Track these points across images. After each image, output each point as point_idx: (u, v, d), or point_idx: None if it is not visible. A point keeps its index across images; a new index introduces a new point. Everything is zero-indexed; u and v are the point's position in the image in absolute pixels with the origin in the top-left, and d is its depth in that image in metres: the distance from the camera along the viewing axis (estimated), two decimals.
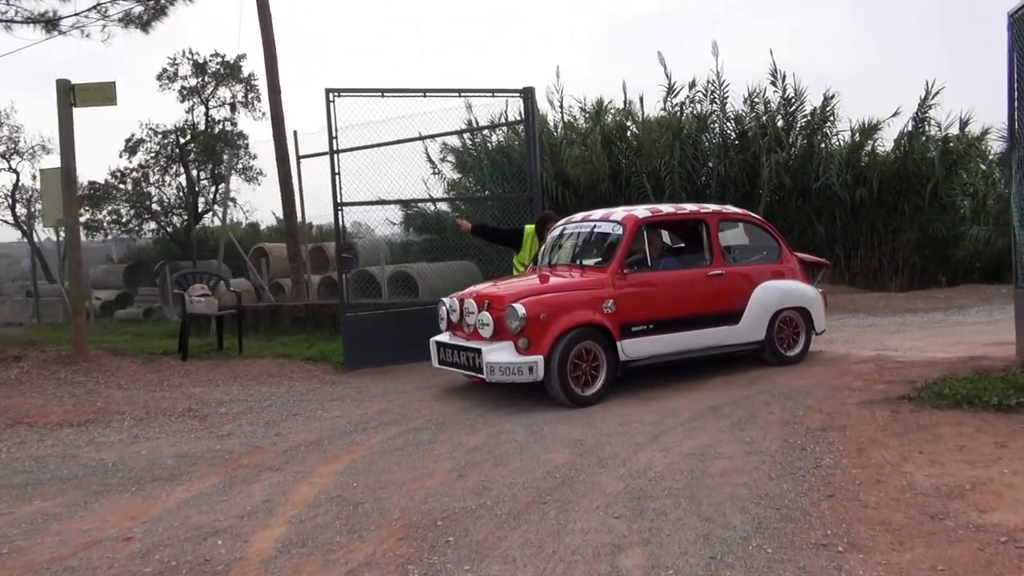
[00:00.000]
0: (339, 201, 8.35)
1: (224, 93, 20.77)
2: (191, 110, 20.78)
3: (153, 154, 20.55)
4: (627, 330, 6.72)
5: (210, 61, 20.55)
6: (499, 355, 6.42)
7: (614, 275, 6.80)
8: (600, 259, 7.17)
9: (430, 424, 6.13)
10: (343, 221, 8.39)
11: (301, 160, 10.85)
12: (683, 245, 7.91)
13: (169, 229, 20.69)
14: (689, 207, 7.70)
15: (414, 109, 9.40)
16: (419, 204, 18.24)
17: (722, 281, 7.33)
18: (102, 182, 20.42)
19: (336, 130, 8.32)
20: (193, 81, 20.72)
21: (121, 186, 20.57)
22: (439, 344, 7.13)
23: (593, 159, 16.15)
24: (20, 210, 22.82)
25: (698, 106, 16.59)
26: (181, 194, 21.00)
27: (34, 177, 22.73)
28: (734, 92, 27.03)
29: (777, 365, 7.58)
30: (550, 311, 6.39)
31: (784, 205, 15.88)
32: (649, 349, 6.89)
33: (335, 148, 8.31)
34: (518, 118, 18.09)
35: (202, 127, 20.78)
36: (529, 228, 8.63)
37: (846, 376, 7.01)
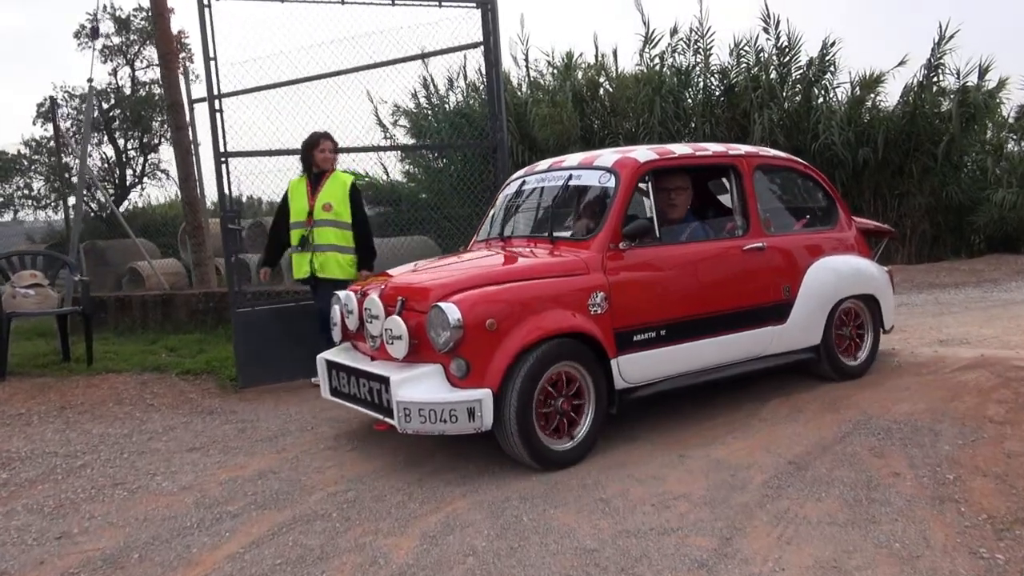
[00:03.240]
0: (222, 150, 5.53)
1: (151, 52, 17.54)
2: (115, 72, 17.57)
3: (72, 121, 17.28)
4: (626, 339, 3.98)
5: (134, 16, 17.31)
6: (418, 388, 3.59)
7: (604, 252, 4.01)
8: (581, 228, 4.40)
9: (331, 505, 3.42)
10: (228, 181, 5.56)
11: (195, 105, 8.03)
12: (698, 205, 5.14)
13: (93, 205, 17.43)
14: (713, 147, 4.76)
15: (340, 31, 6.57)
16: (369, 174, 15.44)
17: (763, 258, 4.59)
18: (13, 152, 17.14)
19: (215, 50, 5.48)
20: (116, 40, 17.49)
21: (36, 157, 17.32)
22: (330, 365, 4.27)
23: (563, 119, 13.44)
24: None
25: (680, 57, 13.91)
26: (106, 165, 17.79)
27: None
28: (720, 42, 24.29)
29: (836, 380, 4.91)
30: (504, 314, 3.61)
31: None
32: (660, 368, 4.13)
33: (215, 85, 5.49)
34: (479, 70, 15.30)
35: (128, 91, 17.57)
36: (293, 182, 5.52)
37: (964, 394, 4.43)
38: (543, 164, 4.97)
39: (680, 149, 4.62)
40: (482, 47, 6.42)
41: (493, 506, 3.30)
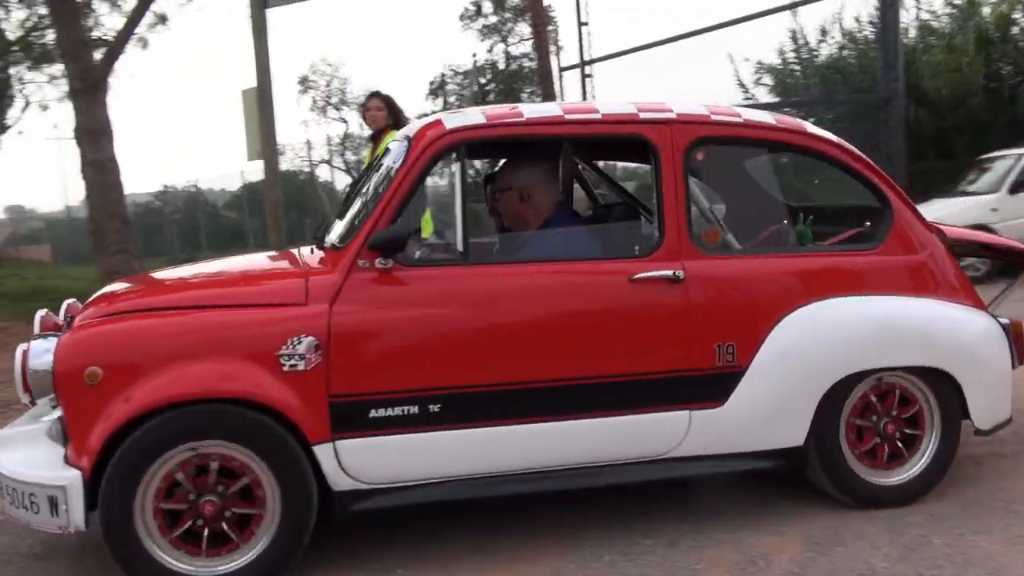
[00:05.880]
0: None
1: (523, 29, 18.76)
2: (491, 49, 19.16)
3: (455, 96, 19.27)
4: (355, 414, 2.49)
5: None
6: (11, 451, 2.59)
7: (348, 272, 2.55)
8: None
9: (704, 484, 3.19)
10: None
11: (564, 73, 8.21)
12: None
13: (471, 171, 19.28)
14: (611, 108, 2.89)
15: None
16: None
17: (674, 295, 2.70)
18: None
19: (587, 14, 5.47)
20: (493, 19, 19.02)
21: None
22: None
23: (961, 65, 11.53)
24: (350, 157, 23.05)
25: None
26: None
27: (361, 126, 22.79)
28: None
29: (849, 503, 2.88)
30: (119, 361, 2.38)
31: None
32: (427, 463, 2.58)
33: (586, 50, 5.48)
34: (857, 17, 13.80)
35: (501, 66, 19.06)
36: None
37: None
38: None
39: (537, 110, 2.87)
40: None
41: (892, 520, 2.80)
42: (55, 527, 2.39)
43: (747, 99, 14.22)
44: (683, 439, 2.71)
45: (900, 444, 2.88)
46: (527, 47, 18.96)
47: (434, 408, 2.53)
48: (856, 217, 3.17)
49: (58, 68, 15.46)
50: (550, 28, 18.62)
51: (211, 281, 3.01)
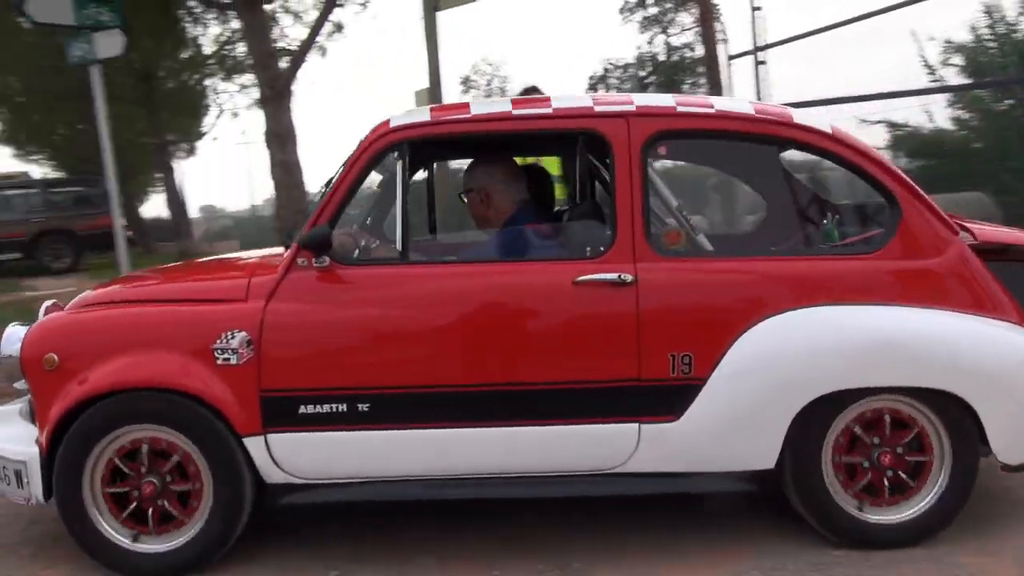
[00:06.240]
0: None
1: (684, 18, 18.38)
2: (651, 40, 18.90)
3: (615, 90, 19.14)
4: (285, 410, 2.58)
5: None
6: (2, 428, 2.96)
7: (286, 271, 2.65)
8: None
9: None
10: None
11: (732, 62, 7.89)
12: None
13: None
14: (572, 101, 2.76)
15: None
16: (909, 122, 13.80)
17: (623, 300, 2.54)
18: None
19: None
20: (653, 10, 18.76)
21: None
22: None
23: None
24: None
25: None
26: None
27: None
28: None
29: (833, 540, 2.63)
30: (73, 349, 2.65)
31: None
32: (354, 462, 2.63)
33: (759, 36, 5.26)
34: None
35: (662, 57, 18.75)
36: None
37: None
38: None
39: (486, 107, 2.82)
40: None
41: None
42: (21, 499, 2.71)
43: (933, 81, 13.15)
44: (632, 454, 2.57)
45: (904, 477, 2.62)
46: (688, 37, 18.57)
47: (363, 407, 2.56)
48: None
49: (248, 78, 16.86)
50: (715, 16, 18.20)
51: (173, 277, 3.33)
